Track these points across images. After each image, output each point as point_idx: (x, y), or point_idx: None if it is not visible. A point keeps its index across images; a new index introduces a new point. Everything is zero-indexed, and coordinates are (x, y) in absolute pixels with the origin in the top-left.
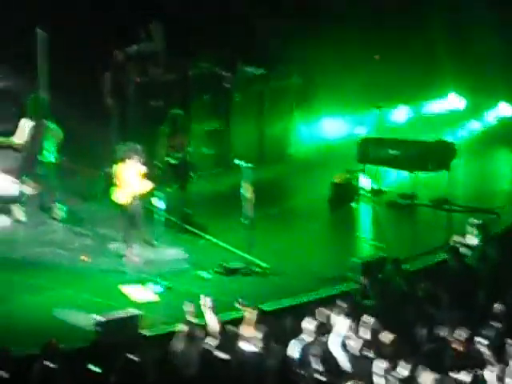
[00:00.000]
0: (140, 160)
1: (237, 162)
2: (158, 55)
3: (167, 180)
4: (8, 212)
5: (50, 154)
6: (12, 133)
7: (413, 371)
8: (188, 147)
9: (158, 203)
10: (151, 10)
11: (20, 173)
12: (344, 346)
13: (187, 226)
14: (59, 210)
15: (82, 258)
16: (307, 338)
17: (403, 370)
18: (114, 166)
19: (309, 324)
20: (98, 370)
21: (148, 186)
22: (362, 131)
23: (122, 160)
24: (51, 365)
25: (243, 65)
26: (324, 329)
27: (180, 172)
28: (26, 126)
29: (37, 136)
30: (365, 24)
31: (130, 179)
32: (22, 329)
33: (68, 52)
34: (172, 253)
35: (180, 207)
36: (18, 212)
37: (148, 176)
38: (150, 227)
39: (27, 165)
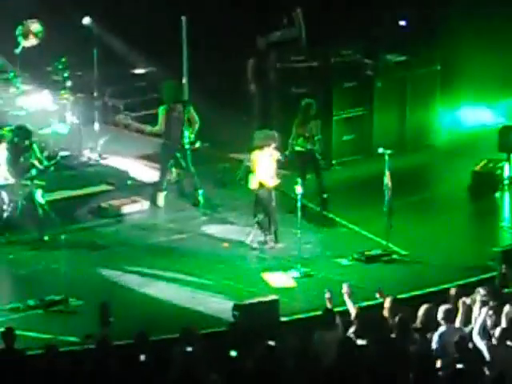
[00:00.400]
0: (276, 147)
1: (380, 150)
2: (299, 42)
3: (299, 168)
4: (149, 198)
5: (187, 140)
6: (154, 119)
7: None
8: (318, 135)
9: (298, 189)
10: None
11: (160, 159)
12: (483, 334)
13: (327, 213)
14: (199, 197)
15: (224, 245)
16: (444, 326)
17: None
18: (252, 153)
19: (443, 312)
20: (236, 354)
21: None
22: (503, 119)
23: (259, 147)
24: (190, 349)
25: (385, 52)
26: (456, 316)
27: (308, 160)
28: (161, 112)
29: (174, 122)
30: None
31: (266, 166)
32: (164, 313)
33: (211, 39)
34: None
35: (316, 194)
36: (159, 198)
37: (280, 163)
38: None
39: (166, 151)
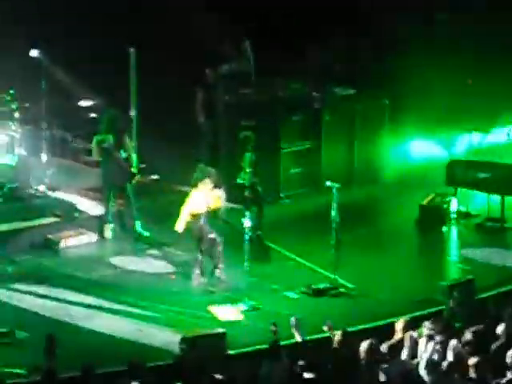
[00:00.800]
0: (213, 183)
1: (328, 183)
2: (248, 74)
3: (243, 201)
4: (96, 230)
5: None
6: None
7: None
8: (249, 168)
9: (246, 223)
10: (241, 28)
11: (102, 191)
12: (430, 368)
13: (274, 246)
14: (137, 228)
15: (170, 276)
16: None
17: None
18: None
19: (387, 348)
20: None
21: (216, 205)
22: (450, 154)
23: (195, 185)
24: (137, 383)
25: (332, 85)
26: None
27: (250, 193)
28: (94, 142)
29: (108, 153)
30: (456, 48)
31: (198, 203)
32: (111, 345)
33: (160, 70)
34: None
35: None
36: (106, 230)
37: (218, 198)
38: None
39: (105, 182)
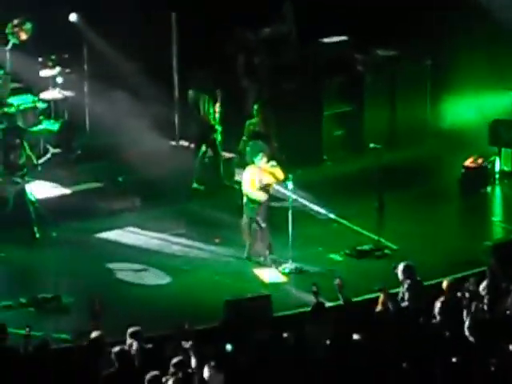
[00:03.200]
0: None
1: (370, 145)
2: (290, 37)
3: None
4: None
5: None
6: None
7: None
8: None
9: (289, 186)
10: None
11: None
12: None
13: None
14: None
15: (215, 239)
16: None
17: None
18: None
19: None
20: (229, 348)
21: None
22: (494, 113)
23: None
24: (184, 344)
25: (375, 47)
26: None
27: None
28: None
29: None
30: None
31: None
32: (158, 309)
33: (200, 34)
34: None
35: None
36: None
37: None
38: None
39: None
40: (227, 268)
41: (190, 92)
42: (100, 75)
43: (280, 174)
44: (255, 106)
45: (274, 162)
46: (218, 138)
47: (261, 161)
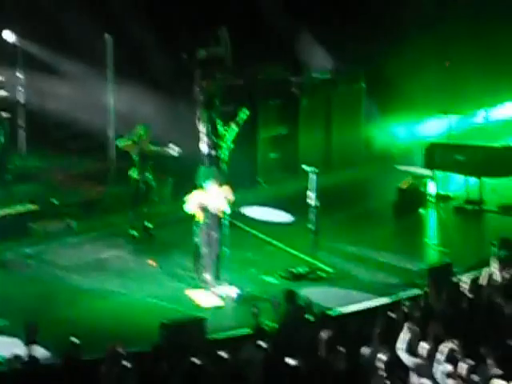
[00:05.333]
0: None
1: (304, 167)
2: (225, 60)
3: None
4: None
5: None
6: None
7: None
8: None
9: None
10: (218, 15)
11: None
12: (409, 351)
13: (254, 232)
14: None
15: (149, 262)
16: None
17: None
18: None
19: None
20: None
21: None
22: (428, 136)
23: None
24: (116, 367)
25: (310, 70)
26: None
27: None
28: None
29: None
30: (434, 30)
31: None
32: (89, 333)
33: (134, 57)
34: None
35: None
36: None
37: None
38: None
39: None
40: (163, 290)
41: None
42: (36, 96)
43: (224, 207)
44: None
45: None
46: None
47: (210, 186)
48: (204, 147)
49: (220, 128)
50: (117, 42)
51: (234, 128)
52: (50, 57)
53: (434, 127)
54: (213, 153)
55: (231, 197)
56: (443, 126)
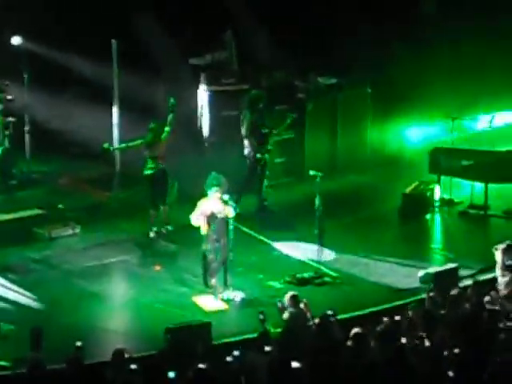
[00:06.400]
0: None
1: (311, 172)
2: (231, 65)
3: None
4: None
5: None
6: None
7: None
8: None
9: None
10: (224, 21)
11: None
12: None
13: (261, 237)
14: None
15: (155, 267)
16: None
17: None
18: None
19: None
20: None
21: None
22: (433, 141)
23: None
24: (122, 372)
25: (316, 75)
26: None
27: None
28: None
29: None
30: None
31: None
32: (95, 337)
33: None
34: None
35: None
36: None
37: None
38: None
39: None
40: (168, 295)
41: None
42: (41, 101)
43: (229, 212)
44: None
45: (226, 197)
46: None
47: (214, 193)
48: (247, 150)
49: (263, 131)
50: (123, 47)
51: (278, 132)
52: (56, 61)
53: (440, 132)
54: (257, 156)
55: (231, 215)
56: (448, 131)
